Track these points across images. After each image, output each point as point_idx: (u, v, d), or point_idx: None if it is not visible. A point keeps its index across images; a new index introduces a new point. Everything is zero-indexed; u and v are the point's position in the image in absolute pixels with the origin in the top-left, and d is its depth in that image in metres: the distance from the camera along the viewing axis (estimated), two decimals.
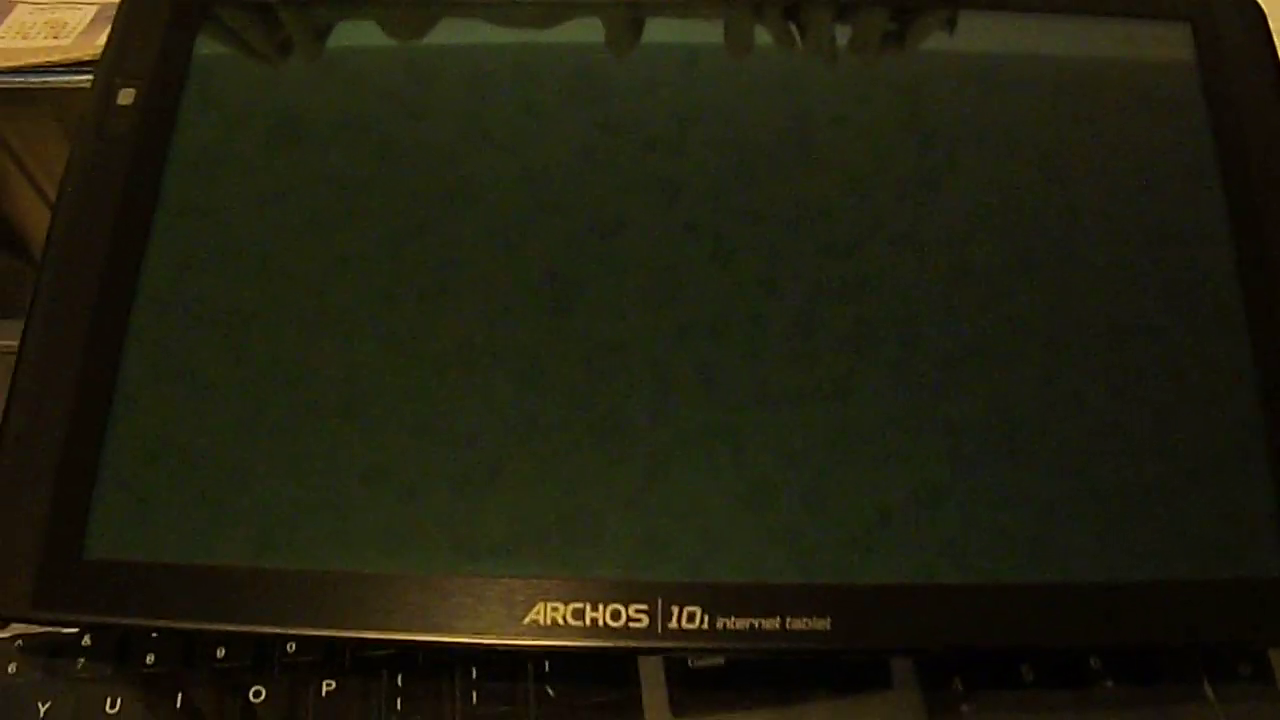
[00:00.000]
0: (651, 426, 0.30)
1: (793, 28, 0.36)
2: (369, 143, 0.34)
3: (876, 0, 0.36)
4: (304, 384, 0.30)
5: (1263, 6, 0.35)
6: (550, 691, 0.31)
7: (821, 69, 0.35)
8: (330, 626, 0.28)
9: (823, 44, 0.35)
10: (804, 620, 0.28)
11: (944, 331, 0.31)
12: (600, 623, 0.28)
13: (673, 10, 0.36)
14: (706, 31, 0.36)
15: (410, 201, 0.33)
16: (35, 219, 0.41)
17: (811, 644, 0.28)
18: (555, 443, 0.30)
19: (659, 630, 0.28)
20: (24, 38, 0.43)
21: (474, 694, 0.31)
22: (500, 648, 0.28)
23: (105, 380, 0.30)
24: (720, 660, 0.32)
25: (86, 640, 0.32)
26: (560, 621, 0.28)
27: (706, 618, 0.28)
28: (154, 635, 0.32)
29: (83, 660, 0.31)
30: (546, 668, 0.31)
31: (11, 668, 0.31)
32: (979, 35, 0.36)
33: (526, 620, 0.28)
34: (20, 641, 0.32)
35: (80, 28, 0.44)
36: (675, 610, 0.28)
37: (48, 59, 0.43)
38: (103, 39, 0.35)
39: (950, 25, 0.36)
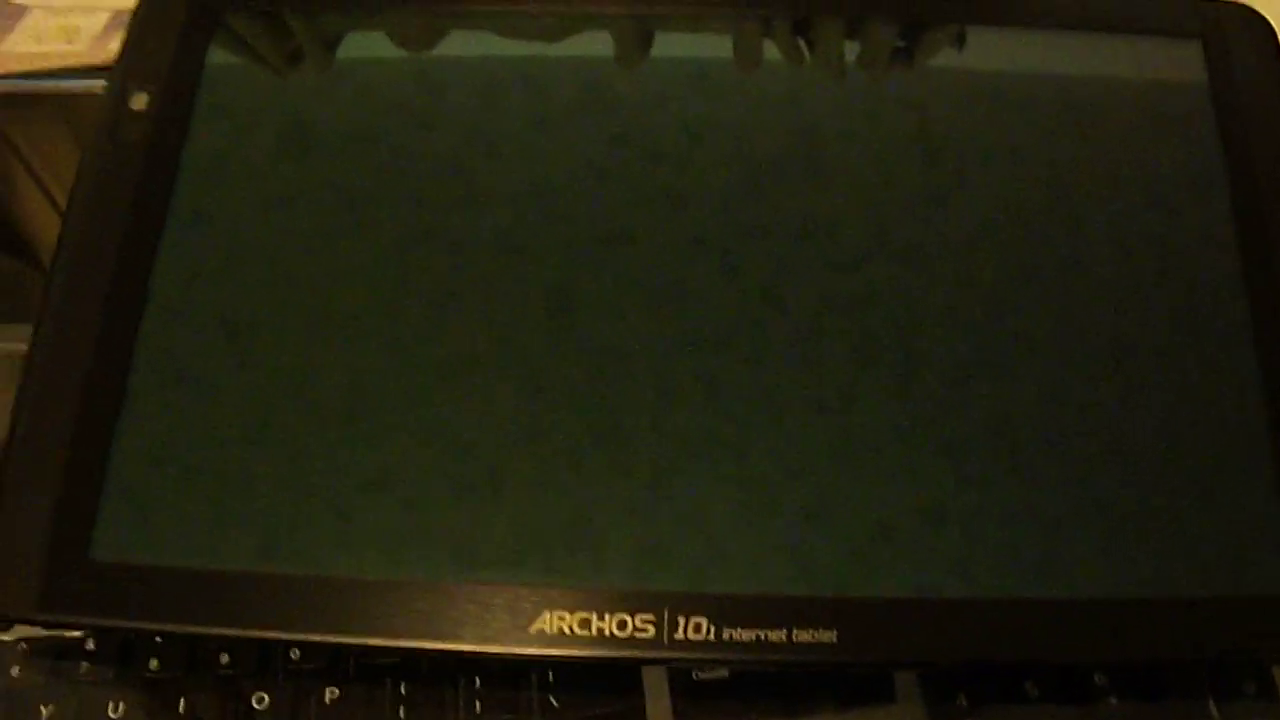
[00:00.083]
0: (657, 436, 0.30)
1: (801, 43, 0.36)
2: (378, 153, 0.34)
3: (885, 16, 0.36)
4: (311, 390, 0.30)
5: (1274, 26, 0.36)
6: (554, 701, 0.31)
7: (830, 84, 0.35)
8: (334, 632, 0.28)
9: (831, 59, 0.36)
10: (810, 632, 0.28)
11: (950, 346, 0.31)
12: (606, 632, 0.28)
13: (682, 24, 0.36)
14: (716, 46, 0.36)
15: (418, 212, 0.33)
16: (46, 224, 0.41)
17: (818, 656, 0.28)
18: (561, 451, 0.30)
19: (665, 640, 0.28)
20: (38, 42, 0.44)
21: (478, 703, 0.31)
22: (506, 656, 0.28)
23: (113, 384, 0.30)
24: (725, 672, 0.31)
25: (90, 644, 0.32)
26: (566, 631, 0.28)
27: (713, 628, 0.28)
28: (158, 640, 0.32)
29: (86, 664, 0.31)
30: (550, 677, 0.31)
31: (15, 671, 0.31)
32: (988, 52, 0.36)
33: (532, 629, 0.28)
34: (24, 644, 0.32)
35: (94, 33, 0.44)
36: (682, 621, 0.28)
37: (61, 64, 0.43)
38: (116, 45, 0.35)
39: (959, 42, 0.36)
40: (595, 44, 0.36)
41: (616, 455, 0.30)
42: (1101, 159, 0.34)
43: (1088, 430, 0.30)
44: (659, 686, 0.31)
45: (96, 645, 0.32)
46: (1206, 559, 0.29)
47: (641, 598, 0.28)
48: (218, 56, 0.35)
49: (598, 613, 0.28)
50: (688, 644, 0.28)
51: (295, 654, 0.32)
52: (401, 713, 0.31)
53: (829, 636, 0.28)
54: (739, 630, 0.28)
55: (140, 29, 0.35)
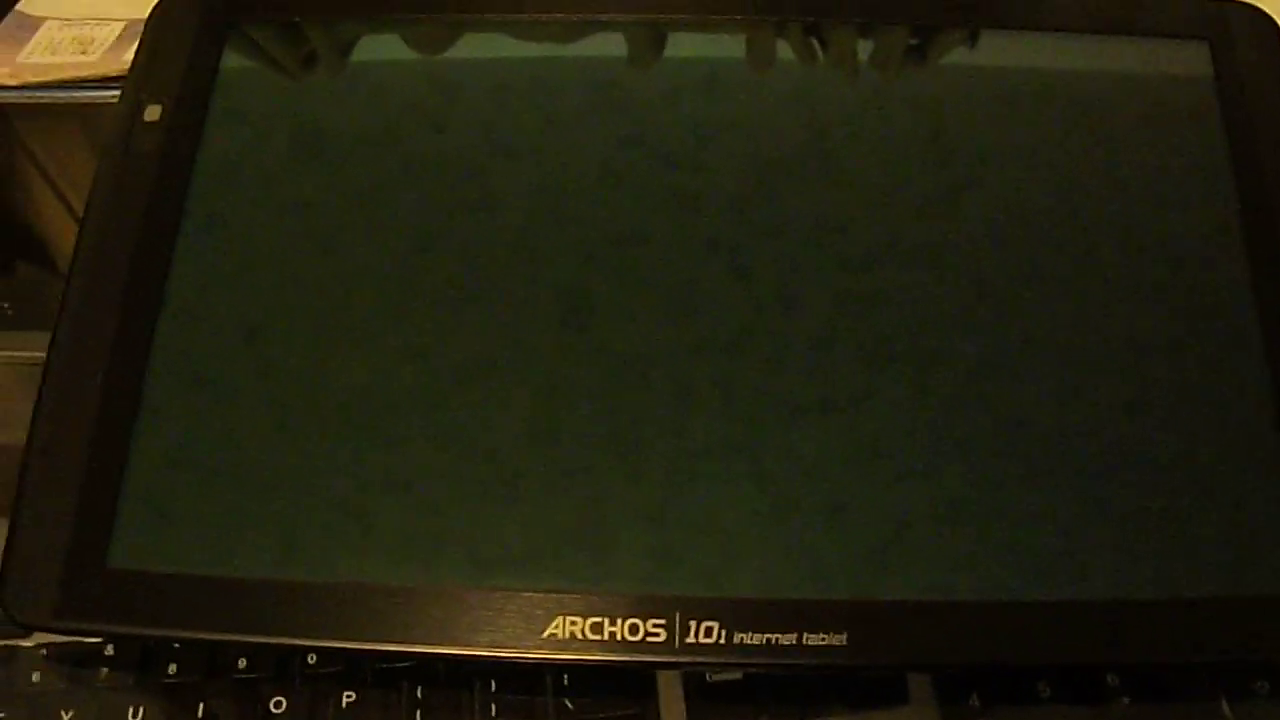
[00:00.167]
0: (670, 440, 0.30)
1: (814, 43, 0.36)
2: (392, 156, 0.34)
3: (898, 17, 0.36)
4: (326, 396, 0.31)
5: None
6: (569, 704, 0.31)
7: (843, 85, 0.35)
8: (351, 638, 0.28)
9: (844, 60, 0.36)
10: (822, 635, 0.28)
11: (962, 347, 0.31)
12: (619, 637, 0.28)
13: (695, 25, 0.36)
14: (728, 47, 0.36)
15: (432, 215, 0.33)
16: (62, 232, 0.42)
17: (829, 659, 0.28)
18: (574, 456, 0.30)
19: (677, 644, 0.28)
20: (52, 53, 0.44)
21: (493, 706, 0.31)
22: (519, 661, 0.28)
23: (130, 391, 0.30)
24: (738, 674, 0.32)
25: (109, 650, 0.32)
26: (579, 635, 0.28)
27: (724, 632, 0.28)
28: (176, 645, 0.32)
29: (105, 670, 0.32)
30: (565, 681, 0.32)
31: (35, 676, 0.31)
32: (1000, 54, 0.36)
33: (545, 634, 0.28)
34: (44, 650, 0.32)
35: (108, 44, 0.44)
36: (693, 625, 0.28)
37: (75, 74, 0.43)
38: (130, 55, 0.36)
39: (971, 43, 0.36)
40: (608, 45, 0.36)
41: (629, 459, 0.30)
42: (1111, 160, 0.34)
43: (1099, 432, 0.30)
44: (672, 689, 0.31)
45: (116, 651, 0.32)
46: (1219, 560, 0.29)
47: (653, 602, 0.28)
48: (231, 62, 0.35)
49: (610, 617, 0.28)
50: (699, 648, 0.28)
51: (312, 658, 0.32)
52: (418, 716, 0.31)
53: (840, 639, 0.28)
54: (750, 634, 0.28)
55: (153, 38, 0.36)
